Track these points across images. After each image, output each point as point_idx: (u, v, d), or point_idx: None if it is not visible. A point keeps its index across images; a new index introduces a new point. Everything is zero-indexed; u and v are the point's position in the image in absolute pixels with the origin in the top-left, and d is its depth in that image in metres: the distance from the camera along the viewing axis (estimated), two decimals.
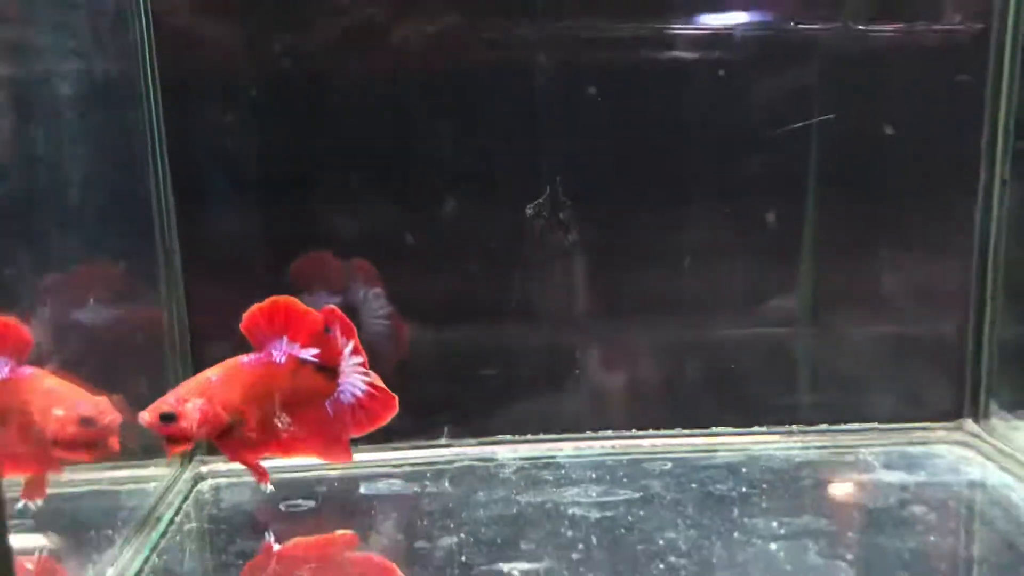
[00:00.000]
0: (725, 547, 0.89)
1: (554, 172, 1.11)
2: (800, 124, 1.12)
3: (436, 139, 1.11)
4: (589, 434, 1.16)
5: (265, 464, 0.98)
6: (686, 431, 1.17)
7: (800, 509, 0.97)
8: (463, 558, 0.88)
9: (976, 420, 1.18)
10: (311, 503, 1.02)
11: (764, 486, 1.03)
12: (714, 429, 1.17)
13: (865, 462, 1.10)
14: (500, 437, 1.16)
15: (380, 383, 0.98)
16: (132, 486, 1.00)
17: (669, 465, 1.10)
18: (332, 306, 0.96)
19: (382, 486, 1.06)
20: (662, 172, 1.14)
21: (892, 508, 0.97)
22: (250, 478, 0.99)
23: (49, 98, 0.91)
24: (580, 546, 0.90)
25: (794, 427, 1.18)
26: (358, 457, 1.09)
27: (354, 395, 0.98)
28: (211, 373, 0.93)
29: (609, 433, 1.17)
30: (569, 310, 1.17)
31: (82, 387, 0.83)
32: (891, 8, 1.11)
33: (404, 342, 1.14)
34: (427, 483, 1.06)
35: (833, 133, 1.12)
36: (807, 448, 1.14)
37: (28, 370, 0.81)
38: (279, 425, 0.95)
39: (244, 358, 0.94)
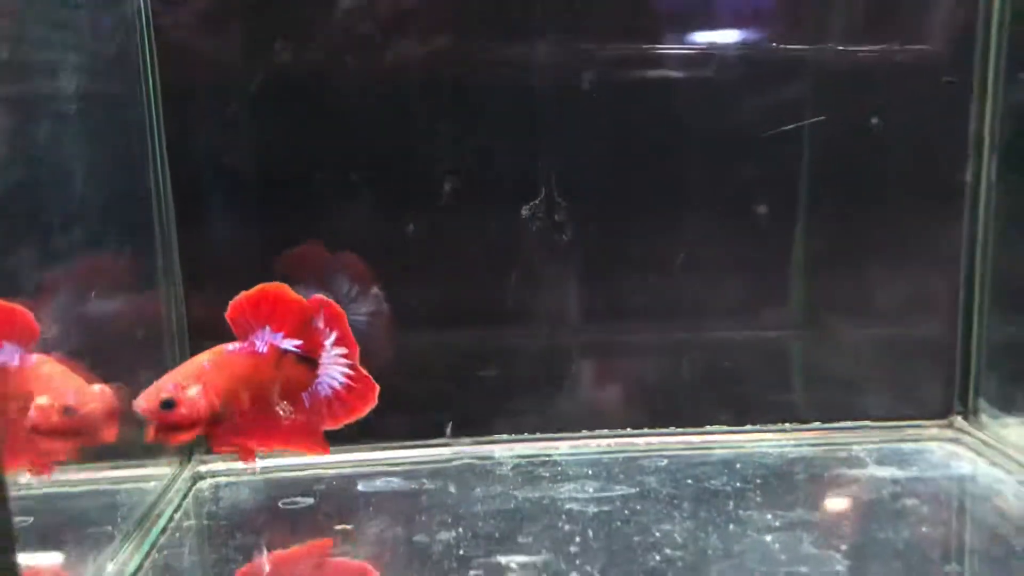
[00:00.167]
0: (721, 539, 0.90)
1: (549, 173, 1.13)
2: (791, 126, 1.13)
3: (432, 141, 1.12)
4: (585, 433, 1.17)
5: (266, 464, 0.98)
6: (681, 429, 1.18)
7: (794, 503, 0.98)
8: (461, 551, 0.89)
9: (966, 417, 1.19)
10: (309, 500, 1.02)
11: (758, 481, 1.04)
12: (709, 427, 1.18)
13: (858, 458, 1.11)
14: (497, 436, 1.16)
15: (364, 372, 0.95)
16: (131, 485, 1.00)
17: (664, 462, 1.10)
18: (321, 296, 0.94)
19: (380, 483, 1.06)
20: (656, 174, 1.15)
21: (884, 501, 0.99)
22: (249, 477, 0.99)
23: (52, 98, 0.92)
24: (577, 539, 0.91)
25: (788, 425, 1.19)
26: (356, 456, 1.10)
27: (331, 387, 0.96)
28: (203, 359, 0.90)
29: (605, 432, 1.17)
30: (565, 311, 1.18)
31: (85, 375, 0.81)
32: (877, 23, 1.14)
33: (390, 337, 1.13)
34: (425, 480, 1.07)
35: (824, 136, 1.14)
36: (800, 445, 1.16)
37: (34, 357, 0.80)
38: (281, 413, 0.94)
39: (230, 346, 0.92)
